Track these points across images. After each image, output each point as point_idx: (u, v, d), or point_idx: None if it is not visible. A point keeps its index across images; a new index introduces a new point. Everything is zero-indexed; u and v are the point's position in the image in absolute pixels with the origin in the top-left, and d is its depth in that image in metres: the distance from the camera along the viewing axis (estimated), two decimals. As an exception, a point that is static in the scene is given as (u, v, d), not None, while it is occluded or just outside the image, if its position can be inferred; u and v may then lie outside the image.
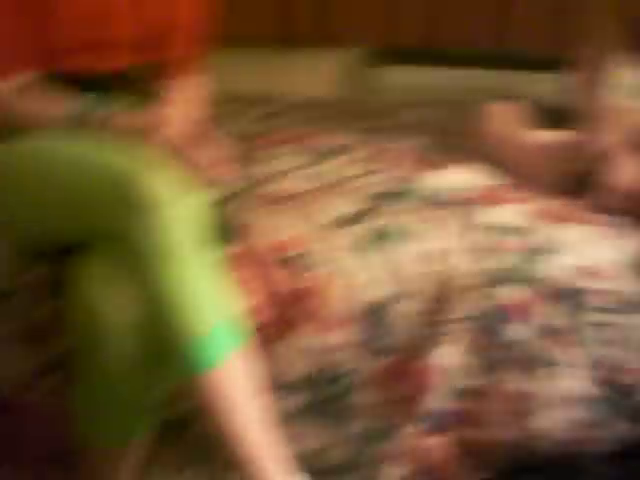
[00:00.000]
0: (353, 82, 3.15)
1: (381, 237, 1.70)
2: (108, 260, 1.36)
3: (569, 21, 2.78)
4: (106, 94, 1.59)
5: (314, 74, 3.09)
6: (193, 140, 1.53)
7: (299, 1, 3.00)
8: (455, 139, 2.23)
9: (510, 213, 1.80)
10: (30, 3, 1.52)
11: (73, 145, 1.48)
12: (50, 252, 1.54)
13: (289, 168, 2.00)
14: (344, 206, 1.79)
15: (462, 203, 1.81)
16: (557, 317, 1.65)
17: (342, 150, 2.12)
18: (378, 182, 1.92)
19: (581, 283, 1.66)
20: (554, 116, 2.06)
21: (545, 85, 2.54)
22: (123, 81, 1.67)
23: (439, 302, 1.64)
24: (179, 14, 1.72)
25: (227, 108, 2.41)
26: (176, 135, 1.51)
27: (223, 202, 1.59)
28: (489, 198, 1.84)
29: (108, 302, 1.34)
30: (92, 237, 1.40)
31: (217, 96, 2.03)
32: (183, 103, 1.71)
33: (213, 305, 1.35)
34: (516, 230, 1.75)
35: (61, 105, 1.54)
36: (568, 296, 1.66)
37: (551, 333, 1.65)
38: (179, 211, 1.35)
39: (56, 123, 1.53)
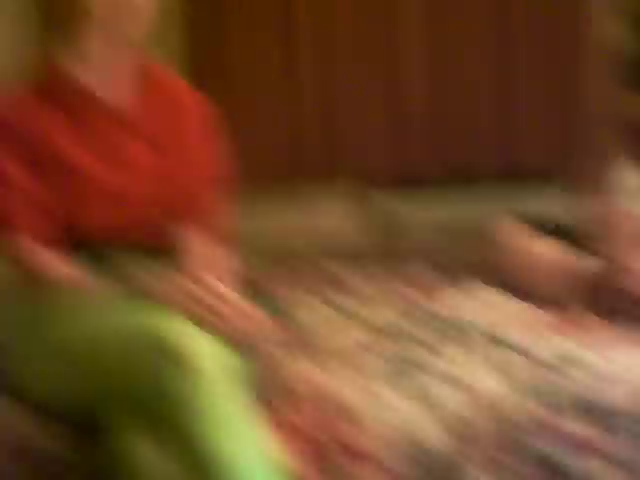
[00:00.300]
0: (365, 210, 3.31)
1: (419, 369, 1.69)
2: (141, 418, 1.33)
3: (568, 133, 3.10)
4: (135, 254, 1.64)
5: (327, 205, 3.31)
6: (227, 295, 1.48)
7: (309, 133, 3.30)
8: (467, 258, 2.34)
9: (550, 342, 1.80)
10: (62, 182, 1.58)
11: (106, 303, 1.49)
12: (75, 412, 1.50)
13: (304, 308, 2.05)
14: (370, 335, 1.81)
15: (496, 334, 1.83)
16: (623, 449, 1.55)
17: (360, 284, 2.19)
18: (403, 313, 1.96)
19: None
20: (562, 228, 2.11)
21: (547, 196, 2.54)
22: (150, 241, 1.70)
23: (488, 439, 1.55)
24: (201, 174, 1.77)
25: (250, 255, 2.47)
26: (210, 292, 1.46)
27: (258, 353, 1.60)
28: (523, 325, 1.87)
29: (146, 460, 1.31)
30: (123, 393, 1.36)
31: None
32: (211, 259, 1.73)
33: (252, 461, 1.31)
34: (562, 358, 1.73)
35: (91, 267, 1.55)
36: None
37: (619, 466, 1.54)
38: (216, 366, 1.34)
39: (88, 284, 1.53)
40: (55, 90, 1.62)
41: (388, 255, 2.48)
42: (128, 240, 1.67)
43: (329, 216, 3.37)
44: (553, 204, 2.59)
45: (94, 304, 1.49)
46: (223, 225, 1.81)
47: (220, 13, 3.35)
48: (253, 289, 2.10)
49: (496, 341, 1.83)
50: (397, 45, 3.35)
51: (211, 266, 1.68)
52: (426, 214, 3.14)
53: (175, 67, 2.11)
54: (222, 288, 1.45)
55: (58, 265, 1.55)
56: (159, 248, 1.72)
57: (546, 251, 2.08)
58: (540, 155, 3.32)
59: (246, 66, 3.35)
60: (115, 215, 1.64)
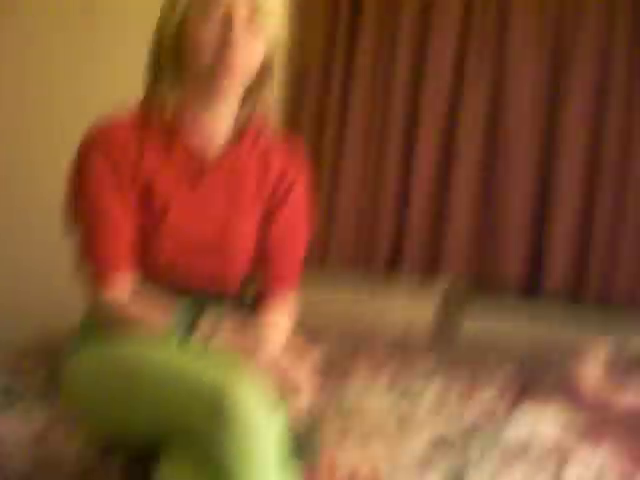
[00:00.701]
0: (449, 312, 3.35)
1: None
2: (189, 463, 1.36)
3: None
4: (206, 306, 1.62)
5: (414, 305, 3.37)
6: (286, 359, 1.50)
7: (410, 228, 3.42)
8: (545, 377, 2.30)
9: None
10: (144, 215, 1.64)
11: (167, 350, 1.51)
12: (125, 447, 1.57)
13: (370, 398, 2.02)
14: (424, 443, 1.77)
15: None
16: None
17: (427, 385, 2.15)
18: (462, 421, 1.92)
19: None
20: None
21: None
22: (220, 302, 1.72)
23: None
24: (283, 238, 1.79)
25: (319, 338, 2.64)
26: (272, 355, 1.48)
27: (309, 422, 1.52)
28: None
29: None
30: (175, 438, 1.40)
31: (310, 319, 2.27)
32: (279, 323, 1.75)
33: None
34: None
35: (165, 313, 1.56)
36: None
37: None
38: (267, 425, 1.36)
39: (159, 330, 1.55)
40: (151, 127, 1.66)
41: (456, 360, 2.37)
42: (194, 287, 1.70)
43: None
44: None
45: (166, 350, 1.50)
46: (294, 293, 1.82)
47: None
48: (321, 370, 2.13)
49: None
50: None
51: (283, 336, 1.72)
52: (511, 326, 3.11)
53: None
54: (294, 373, 1.46)
55: (152, 315, 1.57)
56: (228, 297, 1.74)
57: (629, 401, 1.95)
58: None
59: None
60: (185, 259, 1.68)
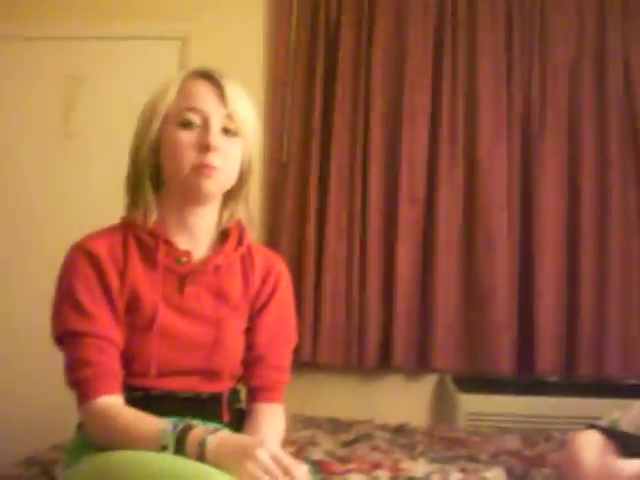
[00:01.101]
0: (444, 407, 3.46)
1: None
2: None
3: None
4: (196, 415, 1.65)
5: (406, 398, 3.54)
6: (287, 457, 1.44)
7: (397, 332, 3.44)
8: (538, 469, 2.23)
9: None
10: (134, 333, 1.64)
11: (161, 457, 1.46)
12: None
13: None
14: None
15: None
16: None
17: (423, 479, 2.08)
18: None
19: None
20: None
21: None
22: (213, 403, 1.72)
23: None
24: (270, 336, 1.78)
25: (315, 432, 2.68)
26: (274, 453, 1.42)
27: None
28: None
29: None
30: None
31: (305, 419, 2.51)
32: (274, 423, 1.73)
33: None
34: None
35: (156, 423, 1.54)
36: None
37: None
38: None
39: (151, 443, 1.50)
40: (135, 237, 1.69)
41: (454, 459, 2.35)
42: (185, 387, 1.68)
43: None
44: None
45: (160, 457, 1.46)
46: (283, 388, 1.80)
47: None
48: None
49: None
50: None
51: (276, 436, 1.68)
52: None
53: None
54: (295, 470, 1.41)
55: (143, 424, 1.55)
56: (217, 397, 1.72)
57: (630, 473, 1.92)
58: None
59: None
60: (175, 359, 1.66)
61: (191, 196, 1.67)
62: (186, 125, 1.63)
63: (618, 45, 3.52)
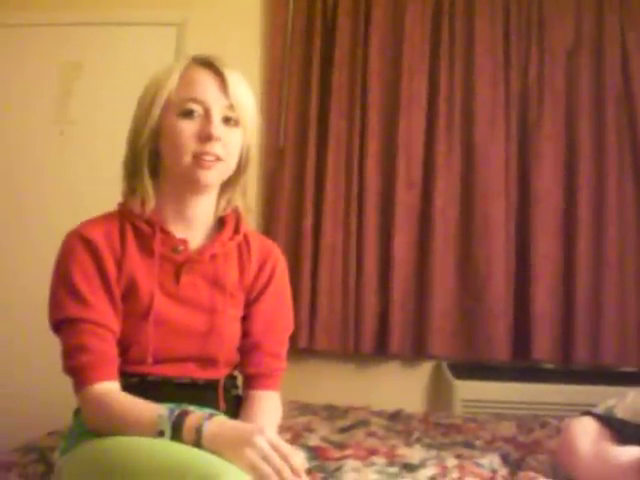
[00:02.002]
0: (440, 394, 3.48)
1: None
2: None
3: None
4: (192, 402, 1.65)
5: (402, 385, 3.56)
6: (285, 444, 1.44)
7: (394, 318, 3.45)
8: (533, 455, 2.24)
9: None
10: (131, 320, 1.65)
11: (158, 444, 1.46)
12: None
13: (370, 475, 1.96)
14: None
15: None
16: None
17: (418, 465, 2.08)
18: None
19: None
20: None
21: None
22: (210, 390, 1.73)
23: None
24: (265, 322, 1.80)
25: (312, 418, 2.69)
26: (272, 441, 1.43)
27: None
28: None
29: None
30: None
31: (302, 406, 2.53)
32: (271, 409, 1.75)
33: None
34: None
35: (152, 409, 1.53)
36: None
37: None
38: None
39: (148, 428, 1.50)
40: (132, 225, 1.69)
41: (451, 445, 2.36)
42: (181, 374, 1.69)
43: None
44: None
45: (157, 444, 1.46)
46: (280, 375, 1.81)
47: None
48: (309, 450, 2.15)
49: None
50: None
51: (273, 423, 1.69)
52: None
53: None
54: (293, 458, 1.41)
55: (139, 410, 1.54)
56: (213, 384, 1.73)
57: (623, 459, 1.93)
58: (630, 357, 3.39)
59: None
60: (171, 346, 1.67)
61: (190, 186, 1.68)
62: (187, 115, 1.64)
63: (616, 31, 3.50)
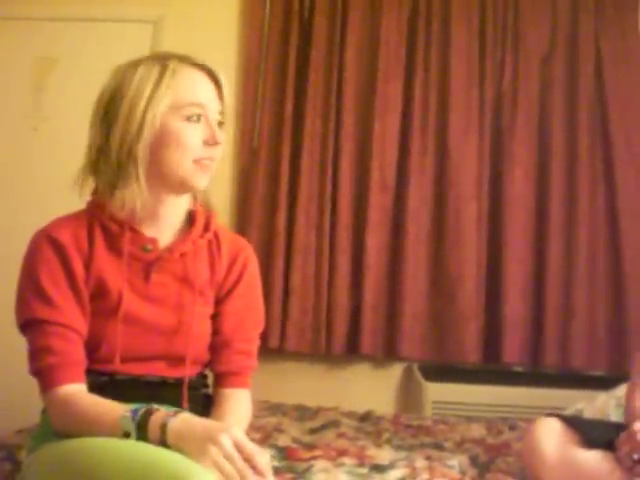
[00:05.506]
0: (410, 396, 3.49)
1: None
2: None
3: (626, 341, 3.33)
4: (161, 400, 1.63)
5: (373, 386, 3.56)
6: (251, 444, 1.44)
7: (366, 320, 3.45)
8: (501, 457, 2.26)
9: None
10: (99, 318, 1.64)
11: (124, 444, 1.45)
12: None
13: (339, 475, 1.97)
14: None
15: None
16: None
17: (388, 467, 2.07)
18: None
19: None
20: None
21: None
22: (176, 388, 1.71)
23: None
24: (236, 320, 1.79)
25: (282, 418, 2.69)
26: (237, 440, 1.42)
27: None
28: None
29: None
30: None
31: (273, 406, 2.50)
32: (240, 409, 1.74)
33: None
34: None
35: (117, 409, 1.52)
36: None
37: None
38: None
39: (113, 429, 1.49)
40: (101, 224, 1.68)
41: (421, 446, 2.37)
42: (150, 372, 1.69)
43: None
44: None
45: (122, 444, 1.45)
46: (250, 374, 1.80)
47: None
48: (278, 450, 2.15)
49: None
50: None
51: (242, 422, 1.68)
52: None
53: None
54: (258, 457, 1.41)
55: (101, 410, 1.54)
56: (180, 382, 1.71)
57: (589, 461, 1.95)
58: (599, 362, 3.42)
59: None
60: (140, 345, 1.67)
61: (181, 188, 1.68)
62: (193, 119, 1.64)
63: (590, 39, 3.54)
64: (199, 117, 1.64)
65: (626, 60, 3.54)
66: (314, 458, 2.10)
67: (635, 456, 1.82)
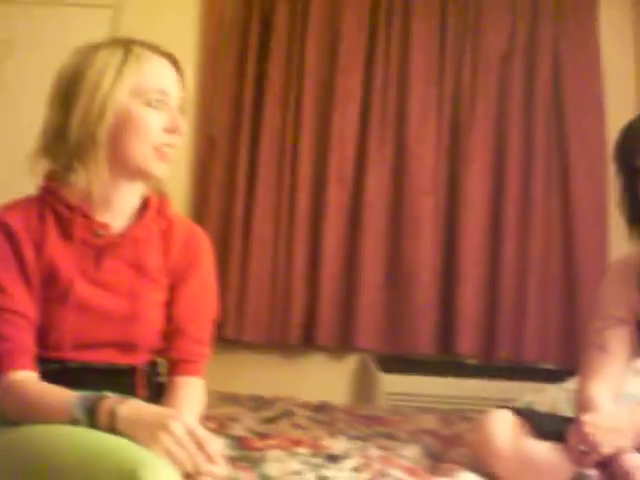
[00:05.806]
0: (365, 387, 3.50)
1: None
2: None
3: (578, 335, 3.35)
4: (113, 388, 1.58)
5: (329, 377, 3.59)
6: (202, 430, 1.43)
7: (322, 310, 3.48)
8: (454, 448, 2.27)
9: None
10: (50, 304, 1.63)
11: (74, 432, 1.44)
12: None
13: (285, 473, 1.93)
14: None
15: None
16: None
17: (342, 456, 2.08)
18: None
19: None
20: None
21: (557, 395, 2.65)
22: (131, 376, 1.72)
23: None
24: (190, 306, 1.78)
25: (237, 408, 2.69)
26: (188, 426, 1.41)
27: None
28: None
29: None
30: None
31: (228, 396, 2.47)
32: (192, 396, 1.73)
33: None
34: None
35: (67, 396, 1.51)
36: None
37: None
38: None
39: (63, 415, 1.47)
40: (53, 209, 1.66)
41: (374, 436, 2.39)
42: (101, 359, 1.67)
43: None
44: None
45: (73, 432, 1.44)
46: (203, 362, 1.79)
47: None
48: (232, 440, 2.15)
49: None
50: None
51: (194, 410, 1.68)
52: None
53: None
54: (209, 444, 1.41)
55: (51, 396, 1.53)
56: (132, 369, 1.71)
57: (540, 452, 1.98)
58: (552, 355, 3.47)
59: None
60: (91, 331, 1.65)
61: (138, 175, 1.67)
62: (155, 105, 1.63)
63: (549, 40, 3.59)
64: (161, 103, 1.63)
65: (584, 65, 3.59)
66: (268, 448, 2.10)
67: (582, 448, 1.85)
